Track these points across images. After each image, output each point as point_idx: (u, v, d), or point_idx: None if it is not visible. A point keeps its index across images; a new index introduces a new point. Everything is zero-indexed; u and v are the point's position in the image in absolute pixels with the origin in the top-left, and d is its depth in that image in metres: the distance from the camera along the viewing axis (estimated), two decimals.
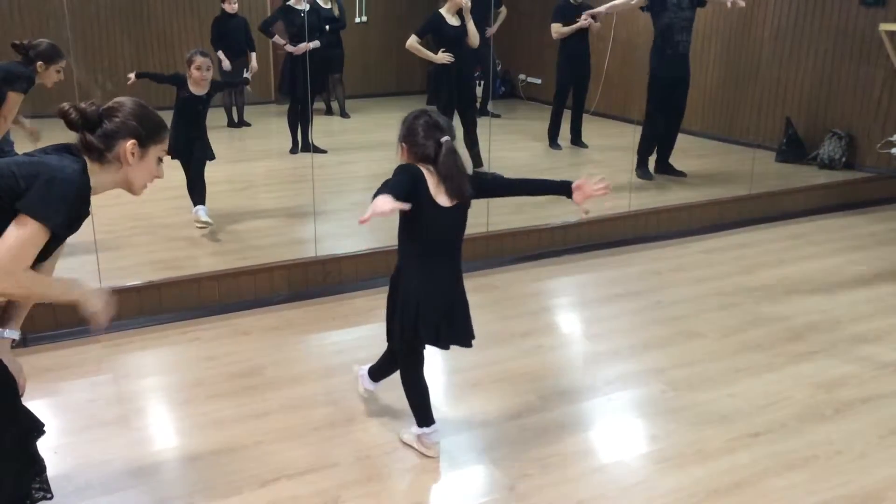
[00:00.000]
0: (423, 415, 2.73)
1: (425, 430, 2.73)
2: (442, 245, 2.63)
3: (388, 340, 2.78)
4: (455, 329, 2.66)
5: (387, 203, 2.22)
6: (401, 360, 2.76)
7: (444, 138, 2.51)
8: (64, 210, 1.96)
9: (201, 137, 4.92)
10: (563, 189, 2.67)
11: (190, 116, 4.79)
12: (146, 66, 7.66)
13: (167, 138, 2.19)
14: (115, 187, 2.15)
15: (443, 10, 6.08)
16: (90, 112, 2.07)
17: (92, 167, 2.06)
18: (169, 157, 4.77)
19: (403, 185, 2.42)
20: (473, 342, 2.72)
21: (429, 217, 2.54)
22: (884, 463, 2.73)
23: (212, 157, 5.01)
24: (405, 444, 2.81)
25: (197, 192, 4.92)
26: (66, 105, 2.08)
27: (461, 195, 2.54)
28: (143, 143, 2.11)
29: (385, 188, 2.34)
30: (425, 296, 2.59)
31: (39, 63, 4.06)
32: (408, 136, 2.55)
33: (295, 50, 6.68)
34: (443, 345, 2.70)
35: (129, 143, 2.08)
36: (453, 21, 6.10)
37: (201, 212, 4.88)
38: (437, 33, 6.10)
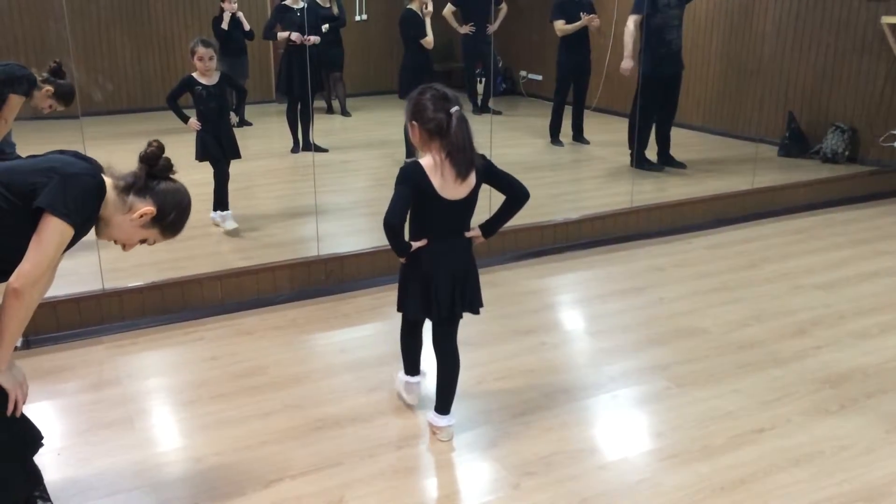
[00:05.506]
0: (412, 366, 2.99)
1: (410, 378, 2.99)
2: (451, 229, 2.68)
3: (400, 310, 2.85)
4: (467, 297, 2.74)
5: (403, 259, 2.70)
6: (405, 323, 2.91)
7: (454, 108, 2.48)
8: (82, 206, 1.94)
9: (229, 135, 4.93)
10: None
11: (211, 112, 4.79)
12: (146, 67, 7.66)
13: (171, 238, 2.19)
14: (99, 219, 2.11)
15: (413, 6, 6.41)
16: (168, 165, 2.13)
17: (109, 191, 2.05)
18: (198, 161, 4.85)
19: (404, 200, 2.53)
20: (482, 310, 2.82)
21: (436, 210, 2.59)
22: (889, 458, 2.72)
23: (238, 156, 5.03)
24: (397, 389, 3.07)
25: (226, 194, 5.00)
26: (161, 146, 2.12)
27: (470, 167, 2.52)
28: (156, 224, 2.11)
29: (388, 212, 2.51)
30: (439, 272, 2.65)
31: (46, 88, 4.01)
32: (417, 112, 2.52)
33: (303, 40, 6.59)
34: (457, 314, 2.77)
35: (149, 210, 2.07)
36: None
37: (231, 220, 4.99)
38: (410, 27, 6.44)
